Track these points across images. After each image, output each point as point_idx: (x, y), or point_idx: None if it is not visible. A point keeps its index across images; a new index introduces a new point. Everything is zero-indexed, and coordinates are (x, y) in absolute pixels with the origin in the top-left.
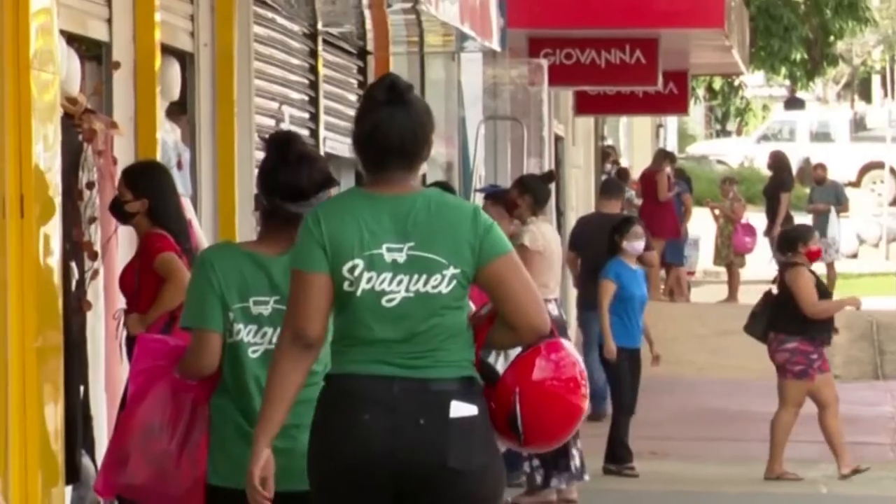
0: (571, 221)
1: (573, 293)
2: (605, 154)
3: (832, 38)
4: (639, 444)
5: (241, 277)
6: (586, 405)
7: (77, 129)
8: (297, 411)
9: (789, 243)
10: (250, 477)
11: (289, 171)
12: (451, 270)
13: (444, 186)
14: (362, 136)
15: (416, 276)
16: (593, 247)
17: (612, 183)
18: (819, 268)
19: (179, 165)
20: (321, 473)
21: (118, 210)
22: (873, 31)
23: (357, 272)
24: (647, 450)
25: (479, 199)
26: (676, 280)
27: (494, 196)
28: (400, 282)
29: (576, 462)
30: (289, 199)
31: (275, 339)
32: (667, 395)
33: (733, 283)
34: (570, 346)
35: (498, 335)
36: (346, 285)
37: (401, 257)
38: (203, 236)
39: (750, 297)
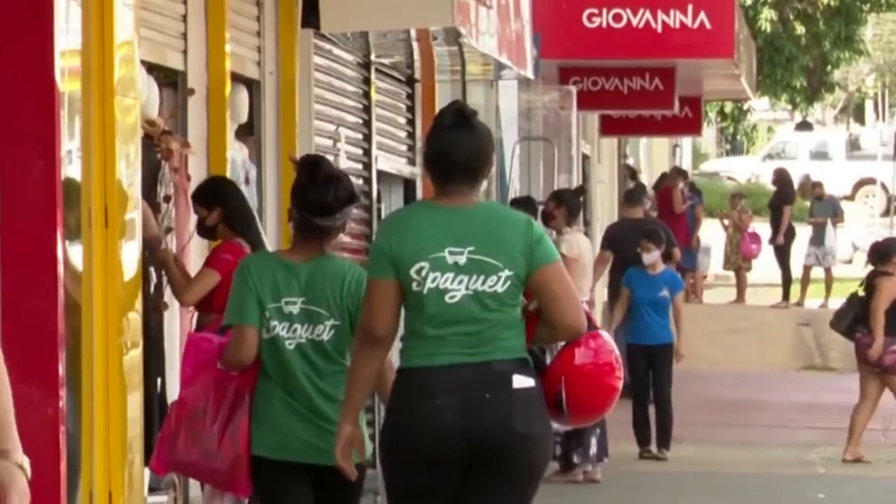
0: (596, 231)
1: (602, 291)
2: (633, 172)
3: (830, 67)
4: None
5: (274, 281)
6: (620, 385)
7: (155, 149)
8: (328, 415)
9: (882, 255)
10: (336, 450)
11: (317, 189)
12: (506, 272)
13: (528, 200)
14: (432, 155)
15: (474, 277)
16: (622, 248)
17: (634, 192)
18: (818, 272)
19: (247, 181)
20: (399, 456)
21: (204, 231)
22: (867, 61)
23: (423, 273)
24: None
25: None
26: (691, 283)
27: (520, 202)
28: (461, 281)
29: (601, 444)
30: (317, 213)
31: (303, 334)
32: (683, 386)
33: (741, 285)
34: (608, 336)
35: (541, 331)
36: (414, 285)
37: (461, 259)
38: (267, 244)
39: (756, 298)
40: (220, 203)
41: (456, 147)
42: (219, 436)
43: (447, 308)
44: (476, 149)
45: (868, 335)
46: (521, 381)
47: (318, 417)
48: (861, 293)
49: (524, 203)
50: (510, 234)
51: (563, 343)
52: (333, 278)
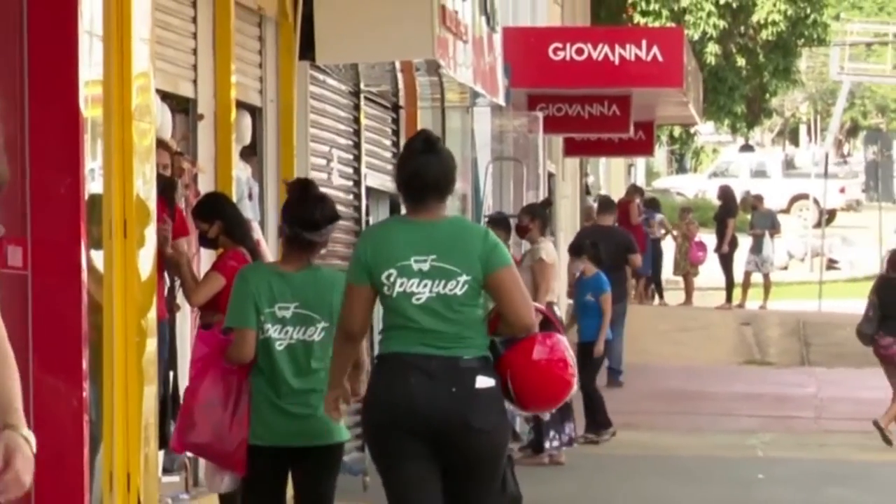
0: (561, 241)
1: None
2: (587, 189)
3: (768, 95)
4: (616, 418)
5: (269, 288)
6: (573, 380)
7: (169, 168)
8: (309, 405)
9: None
10: (325, 404)
11: (307, 208)
12: (464, 277)
13: (502, 218)
14: (405, 178)
15: (437, 281)
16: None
17: (606, 202)
18: (757, 277)
19: (250, 197)
20: (376, 422)
21: (205, 242)
22: (801, 91)
23: (392, 279)
24: (623, 422)
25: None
26: (645, 287)
27: (495, 220)
28: (425, 285)
29: (568, 433)
30: (306, 229)
31: (295, 336)
32: (638, 379)
33: (689, 289)
34: (562, 337)
35: (502, 327)
36: (385, 289)
37: (425, 266)
38: (269, 253)
39: (703, 300)
40: (218, 217)
41: (426, 170)
42: (229, 422)
43: (414, 308)
44: (443, 171)
45: (884, 336)
46: (484, 382)
47: (297, 408)
48: (875, 299)
49: (499, 221)
50: (469, 243)
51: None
52: (324, 286)
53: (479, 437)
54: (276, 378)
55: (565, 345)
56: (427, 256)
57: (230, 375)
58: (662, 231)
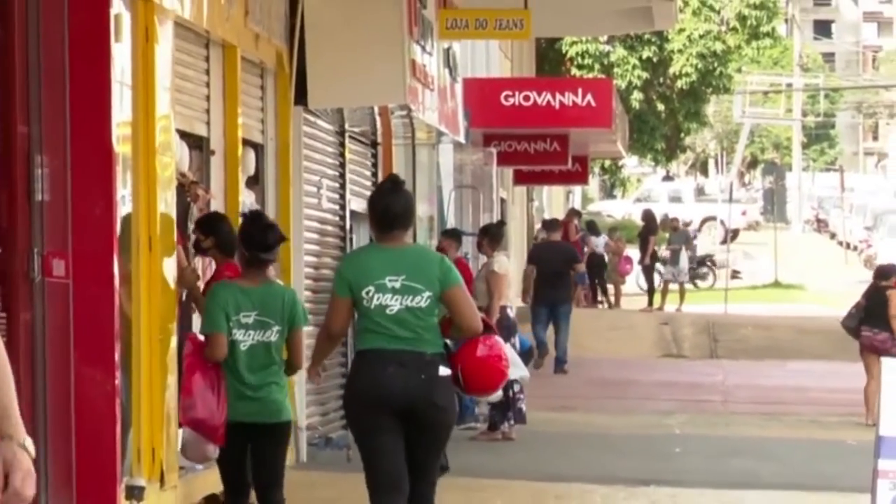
0: (511, 255)
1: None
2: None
3: (682, 134)
4: (557, 402)
5: (235, 300)
6: (508, 371)
7: (186, 194)
8: (264, 391)
9: (885, 275)
10: (309, 370)
11: (261, 233)
12: (427, 293)
13: (455, 232)
14: (377, 212)
15: (406, 296)
16: (543, 263)
17: (552, 222)
18: (674, 286)
19: None
20: (359, 404)
21: (198, 250)
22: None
23: (370, 294)
24: (562, 405)
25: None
26: (584, 293)
27: (448, 233)
28: (397, 299)
29: (520, 412)
30: (262, 251)
31: (256, 337)
32: (577, 370)
33: (617, 295)
34: (499, 338)
35: (452, 331)
36: (364, 302)
37: (397, 284)
38: (270, 267)
39: (629, 304)
40: (214, 232)
41: (394, 206)
42: (216, 402)
43: (388, 317)
44: (407, 207)
45: (874, 333)
46: (444, 371)
47: (255, 393)
48: (863, 302)
49: (451, 233)
50: (430, 266)
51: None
52: (278, 297)
53: (440, 412)
54: (238, 372)
55: (501, 344)
56: (398, 276)
57: (211, 369)
58: (606, 248)
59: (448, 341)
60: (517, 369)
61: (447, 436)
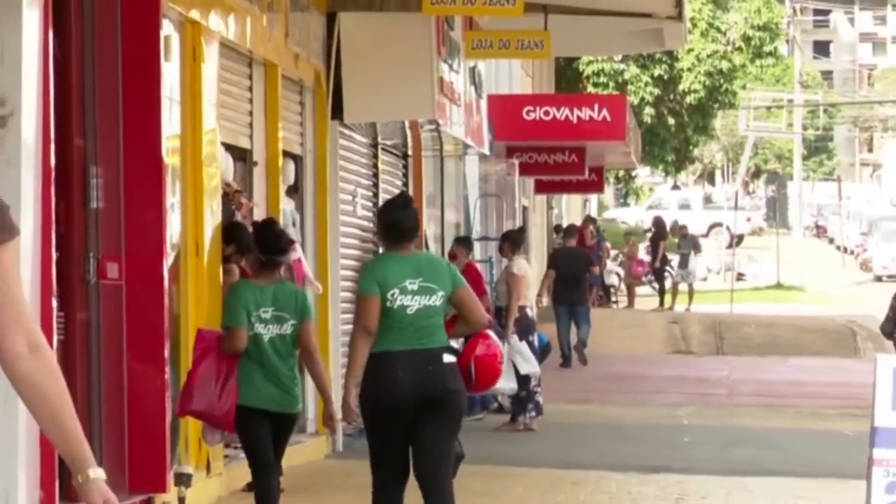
0: (532, 259)
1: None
2: (557, 227)
3: (691, 146)
4: (574, 395)
5: (253, 297)
6: (502, 368)
7: (231, 202)
8: (291, 383)
9: None
10: (345, 404)
11: (275, 238)
12: (441, 293)
13: (465, 239)
14: (388, 226)
15: (423, 296)
16: (562, 266)
17: (571, 229)
18: (684, 287)
19: (294, 224)
20: (374, 406)
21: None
22: (716, 143)
23: (394, 296)
24: (578, 398)
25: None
26: (599, 294)
27: (459, 239)
28: (415, 299)
29: (538, 404)
30: (276, 254)
31: (274, 331)
32: (592, 365)
33: (631, 296)
34: (495, 336)
35: (459, 328)
36: (388, 303)
37: (415, 287)
38: (309, 269)
39: (641, 304)
40: (233, 241)
41: (405, 221)
42: (218, 394)
43: (407, 316)
44: (416, 221)
45: None
46: (448, 359)
47: (279, 382)
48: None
49: (463, 240)
50: (441, 270)
51: (465, 339)
52: (290, 295)
53: (453, 395)
54: (264, 359)
55: (498, 342)
56: (417, 279)
57: (222, 361)
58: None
59: (454, 344)
60: (529, 365)
61: (460, 417)
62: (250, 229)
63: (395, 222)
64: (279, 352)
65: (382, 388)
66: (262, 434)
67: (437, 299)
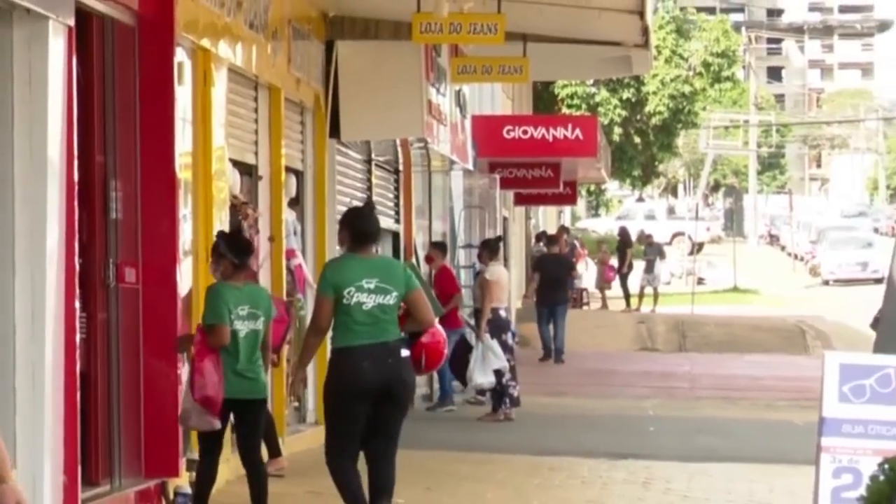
0: (512, 265)
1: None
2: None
3: (656, 162)
4: (550, 388)
5: (233, 297)
6: (445, 351)
7: (238, 213)
8: (255, 372)
9: None
10: (294, 384)
11: (243, 243)
12: (395, 293)
13: (441, 244)
14: (355, 230)
15: (378, 295)
16: (545, 271)
17: (553, 237)
18: (649, 290)
19: (295, 233)
20: (338, 394)
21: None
22: (679, 159)
23: (350, 293)
24: (554, 391)
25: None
26: (575, 297)
27: (434, 244)
28: (371, 297)
29: (515, 395)
30: (243, 255)
31: (249, 327)
32: (568, 361)
33: (604, 298)
34: (440, 328)
35: (409, 324)
36: (344, 301)
37: (371, 286)
38: (309, 273)
39: (612, 305)
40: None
41: (368, 226)
42: (218, 381)
43: (363, 312)
44: (378, 226)
45: None
46: (405, 353)
47: (249, 374)
48: None
49: (438, 245)
50: (396, 272)
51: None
52: (260, 294)
53: (407, 387)
54: (237, 356)
55: (442, 333)
56: (373, 279)
57: (215, 354)
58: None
59: (405, 335)
60: (498, 361)
61: (409, 405)
62: (254, 237)
63: (362, 228)
64: (252, 345)
65: (350, 375)
66: (222, 421)
67: (391, 298)
